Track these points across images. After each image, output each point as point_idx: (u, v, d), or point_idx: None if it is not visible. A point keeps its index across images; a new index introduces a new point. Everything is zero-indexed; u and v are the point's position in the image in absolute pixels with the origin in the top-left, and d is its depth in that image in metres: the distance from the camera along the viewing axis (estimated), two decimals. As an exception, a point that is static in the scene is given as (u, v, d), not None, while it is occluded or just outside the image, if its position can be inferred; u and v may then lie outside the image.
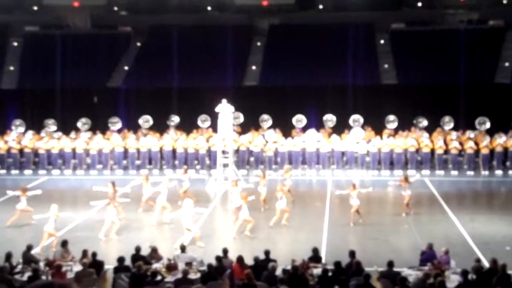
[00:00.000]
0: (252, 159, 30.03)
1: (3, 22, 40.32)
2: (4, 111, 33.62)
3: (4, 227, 20.13)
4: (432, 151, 29.10)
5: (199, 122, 30.86)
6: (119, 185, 23.55)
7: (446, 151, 29.32)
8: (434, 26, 38.88)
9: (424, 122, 30.43)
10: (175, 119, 31.49)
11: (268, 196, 21.92)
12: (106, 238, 18.84)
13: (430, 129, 30.26)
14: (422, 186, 26.19)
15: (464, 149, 29.06)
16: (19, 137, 30.27)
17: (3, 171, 29.37)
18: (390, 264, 14.08)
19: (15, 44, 39.84)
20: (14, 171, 29.36)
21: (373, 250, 17.62)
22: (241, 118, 30.75)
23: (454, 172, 28.53)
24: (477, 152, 28.87)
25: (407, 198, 21.38)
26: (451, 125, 29.99)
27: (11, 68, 38.08)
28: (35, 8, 42.10)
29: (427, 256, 15.19)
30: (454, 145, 28.64)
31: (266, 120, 30.96)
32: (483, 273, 13.64)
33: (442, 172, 28.55)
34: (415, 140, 29.08)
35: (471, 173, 28.44)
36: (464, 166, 28.89)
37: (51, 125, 31.05)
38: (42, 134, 30.71)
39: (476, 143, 28.87)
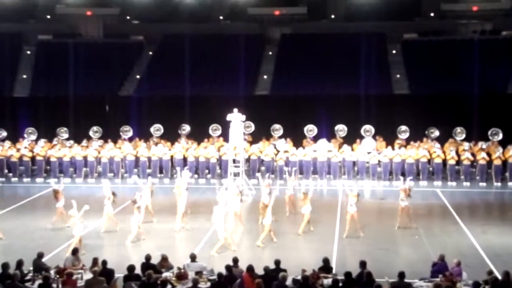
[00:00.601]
0: (263, 168, 29.99)
1: (17, 30, 40.66)
2: (16, 119, 33.84)
3: (16, 235, 20.18)
4: (444, 162, 28.94)
5: (210, 131, 30.90)
6: (130, 194, 23.54)
7: (458, 162, 29.16)
8: (447, 36, 38.83)
9: (436, 133, 30.31)
10: (186, 128, 31.57)
11: (275, 204, 21.91)
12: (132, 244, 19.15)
13: (442, 140, 30.13)
14: (434, 197, 26.07)
15: (476, 160, 28.89)
16: (31, 145, 30.41)
17: (15, 179, 29.50)
18: (401, 275, 13.95)
19: (28, 52, 40.15)
20: (26, 179, 29.47)
21: (384, 261, 17.50)
22: (252, 127, 30.77)
23: (466, 183, 28.34)
24: (489, 163, 28.68)
25: (406, 209, 20.76)
26: (463, 135, 29.83)
27: (24, 76, 38.32)
28: (48, 17, 42.42)
29: (439, 267, 15.06)
30: (466, 156, 28.47)
31: (277, 129, 30.96)
32: (498, 285, 13.48)
33: (454, 183, 28.38)
34: (427, 150, 28.95)
35: (483, 184, 28.24)
36: (477, 177, 28.70)
37: (63, 133, 31.19)
38: (54, 142, 30.84)
39: (489, 154, 28.69)
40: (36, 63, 38.92)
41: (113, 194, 20.62)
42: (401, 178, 23.03)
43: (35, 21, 42.14)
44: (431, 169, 29.29)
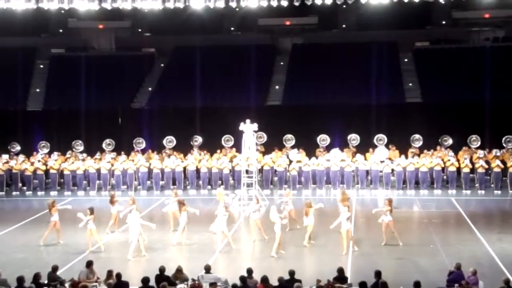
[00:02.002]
0: (276, 178, 29.94)
1: (30, 45, 41.00)
2: (30, 133, 34.03)
3: (31, 248, 20.25)
4: (458, 170, 28.78)
5: (222, 142, 30.94)
6: (143, 206, 23.62)
7: (473, 170, 28.99)
8: (459, 44, 38.69)
9: (450, 141, 30.16)
10: (199, 139, 31.61)
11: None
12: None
13: (455, 148, 29.97)
14: (449, 206, 25.92)
15: (491, 168, 28.70)
16: (44, 158, 30.55)
17: (29, 192, 29.64)
18: (417, 284, 13.84)
19: (42, 66, 40.45)
20: (40, 192, 29.60)
21: (399, 270, 17.39)
22: (264, 137, 30.76)
23: (481, 191, 28.15)
24: (504, 170, 28.48)
25: (389, 224, 19.85)
26: (478, 143, 29.66)
27: (37, 90, 38.58)
28: (61, 31, 42.73)
29: (455, 276, 14.93)
30: (481, 164, 28.29)
31: (290, 139, 30.92)
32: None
33: (468, 192, 28.20)
34: (440, 159, 28.80)
35: (498, 192, 28.04)
36: (491, 185, 28.50)
37: (79, 146, 31.35)
38: (67, 155, 30.98)
39: (503, 162, 28.50)
40: (49, 76, 39.17)
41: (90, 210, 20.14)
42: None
43: (48, 35, 42.46)
44: (445, 177, 29.13)
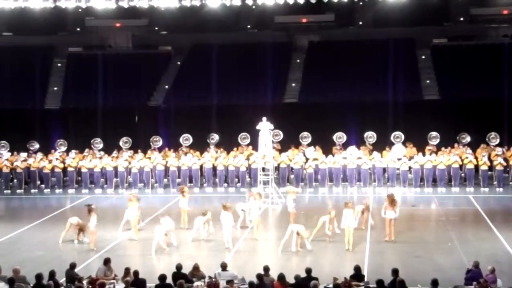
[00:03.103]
0: (292, 176, 29.92)
1: (48, 43, 41.25)
2: (48, 131, 34.23)
3: (49, 246, 20.39)
4: (476, 167, 28.58)
5: (239, 140, 30.96)
6: (160, 204, 23.71)
7: (491, 168, 28.77)
8: (477, 40, 38.37)
9: (467, 138, 29.97)
10: (215, 137, 31.65)
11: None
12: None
13: (473, 145, 29.77)
14: (467, 203, 25.75)
15: (509, 165, 28.47)
16: (62, 156, 30.75)
17: (47, 190, 29.85)
18: (435, 283, 13.75)
19: (59, 65, 40.66)
20: (58, 190, 29.80)
21: (416, 268, 17.30)
22: (281, 135, 30.74)
23: (499, 189, 27.94)
24: (522, 168, 28.27)
25: (392, 222, 19.94)
26: (497, 140, 29.44)
27: (55, 88, 38.81)
28: (78, 29, 42.96)
29: (473, 274, 14.83)
30: (499, 161, 28.07)
31: (306, 137, 30.87)
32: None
33: (487, 189, 28.01)
34: (458, 156, 28.62)
35: (517, 189, 27.86)
36: (510, 182, 28.30)
37: (98, 144, 31.54)
38: (85, 153, 31.15)
39: (522, 159, 28.29)
40: (67, 75, 39.38)
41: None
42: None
43: (65, 34, 42.68)
44: (463, 175, 28.95)
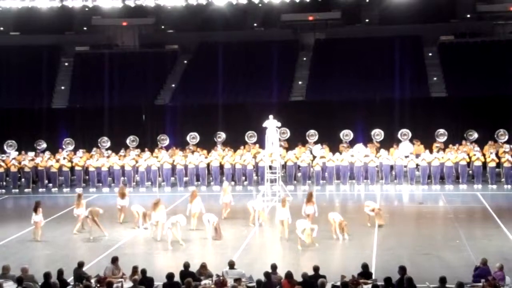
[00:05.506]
0: (299, 174, 29.91)
1: (55, 43, 41.38)
2: (55, 130, 34.35)
3: (58, 244, 20.45)
4: (484, 164, 28.49)
5: (246, 138, 30.97)
6: (167, 202, 23.70)
7: (499, 165, 28.68)
8: (484, 37, 38.28)
9: (475, 135, 29.91)
10: (222, 136, 31.67)
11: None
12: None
13: (481, 142, 29.68)
14: (475, 201, 25.67)
15: (517, 162, 28.35)
16: (69, 155, 30.83)
17: (55, 189, 29.92)
18: (442, 280, 13.73)
19: (66, 64, 40.78)
20: (65, 189, 29.87)
21: (424, 266, 17.27)
22: (288, 133, 30.74)
23: (507, 186, 27.84)
24: (530, 165, 28.11)
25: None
26: (506, 137, 29.36)
27: (62, 87, 38.91)
28: (85, 28, 43.07)
29: (481, 272, 14.79)
30: (507, 158, 27.97)
31: (313, 135, 30.87)
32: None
33: (494, 186, 27.91)
34: (466, 153, 28.53)
35: (525, 186, 27.75)
36: (518, 179, 28.18)
37: (105, 143, 31.63)
38: (93, 152, 31.23)
39: (530, 156, 28.15)
40: (74, 74, 39.49)
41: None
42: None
43: (72, 33, 42.81)
44: (470, 172, 28.87)
